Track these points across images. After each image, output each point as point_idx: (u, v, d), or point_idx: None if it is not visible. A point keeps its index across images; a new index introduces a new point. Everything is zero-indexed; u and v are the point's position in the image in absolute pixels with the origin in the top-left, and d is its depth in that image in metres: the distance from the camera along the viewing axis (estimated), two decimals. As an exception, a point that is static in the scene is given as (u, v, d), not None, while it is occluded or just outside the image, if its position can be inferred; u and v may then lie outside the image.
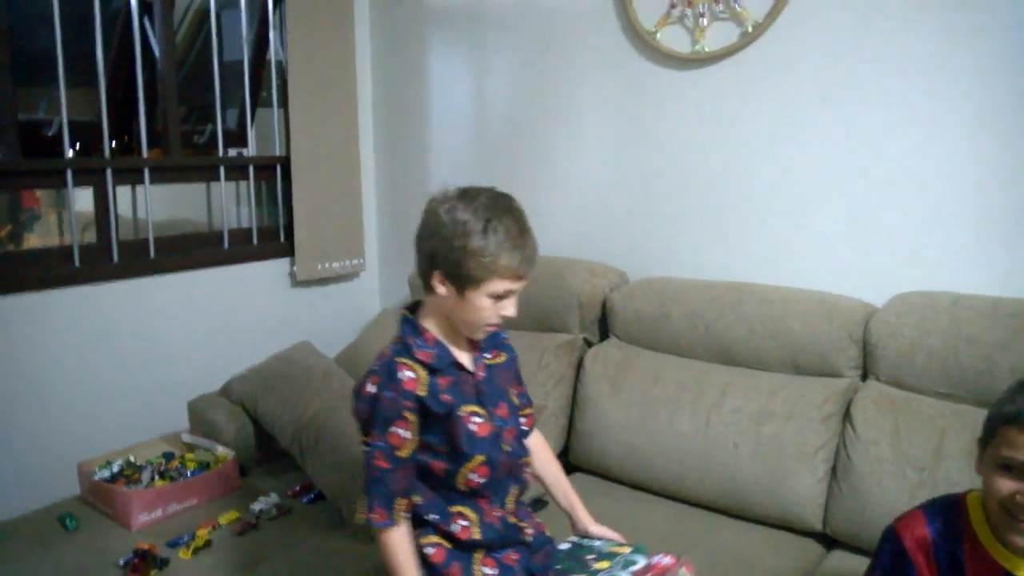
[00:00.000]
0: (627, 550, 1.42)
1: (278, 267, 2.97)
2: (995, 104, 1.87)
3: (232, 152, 2.99)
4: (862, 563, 1.70)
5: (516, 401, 1.43)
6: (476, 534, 1.33)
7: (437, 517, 1.33)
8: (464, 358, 1.35)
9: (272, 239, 2.99)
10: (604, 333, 2.38)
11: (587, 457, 2.19)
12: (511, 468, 1.36)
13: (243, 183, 2.98)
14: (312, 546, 1.91)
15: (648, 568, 1.35)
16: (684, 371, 2.11)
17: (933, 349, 1.80)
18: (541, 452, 1.54)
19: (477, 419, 1.32)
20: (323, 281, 3.09)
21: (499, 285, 1.24)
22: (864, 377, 1.97)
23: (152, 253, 2.63)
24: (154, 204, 2.63)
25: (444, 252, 1.25)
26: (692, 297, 2.19)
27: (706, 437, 1.96)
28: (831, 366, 1.96)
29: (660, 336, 2.21)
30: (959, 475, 1.65)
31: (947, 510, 1.22)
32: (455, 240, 1.24)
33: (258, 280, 2.91)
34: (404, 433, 1.27)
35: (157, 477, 2.13)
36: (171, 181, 2.77)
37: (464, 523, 1.33)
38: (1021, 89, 1.84)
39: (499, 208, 1.26)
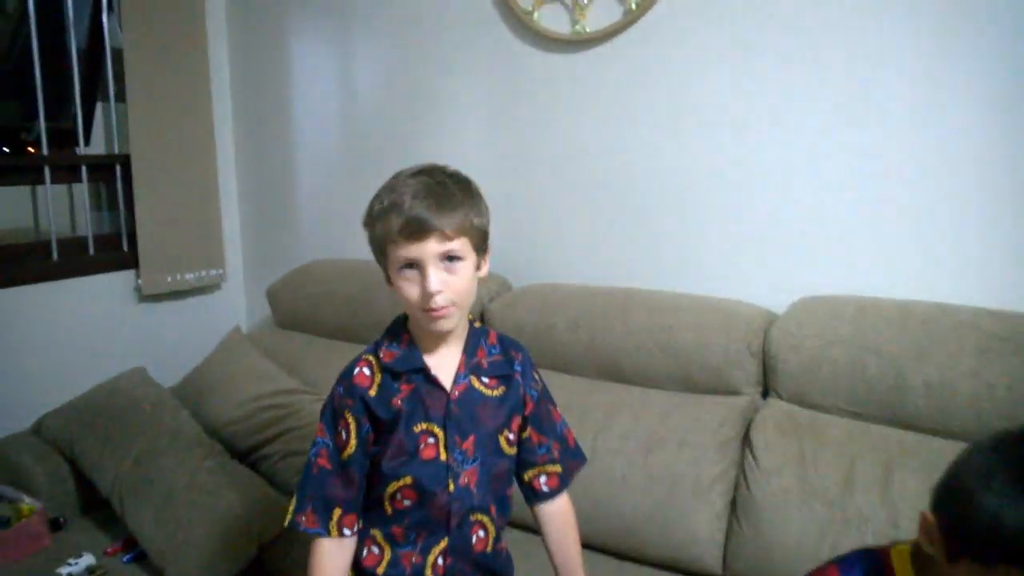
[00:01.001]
0: None
1: (121, 280, 2.59)
2: (901, 96, 1.68)
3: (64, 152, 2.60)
4: (766, 611, 1.50)
5: (505, 444, 1.19)
6: (381, 567, 1.15)
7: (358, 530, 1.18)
8: (443, 371, 1.15)
9: (112, 249, 2.61)
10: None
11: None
12: (448, 514, 1.13)
13: (77, 186, 2.60)
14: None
15: None
16: (568, 389, 1.83)
17: (837, 362, 1.59)
18: (556, 524, 1.26)
19: (430, 439, 1.13)
20: (177, 295, 2.72)
21: (396, 252, 1.08)
22: (765, 394, 1.74)
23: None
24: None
25: (369, 239, 1.13)
26: (577, 305, 1.94)
27: (591, 467, 1.68)
28: (728, 383, 1.73)
29: (543, 350, 1.93)
30: (871, 510, 1.43)
31: (866, 568, 0.98)
32: (366, 220, 1.13)
33: (96, 295, 2.53)
34: (345, 434, 1.14)
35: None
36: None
37: (374, 549, 1.16)
38: (927, 79, 1.65)
39: (402, 175, 1.12)
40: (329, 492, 1.14)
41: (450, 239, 1.07)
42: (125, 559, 1.80)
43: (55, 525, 1.93)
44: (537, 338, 1.94)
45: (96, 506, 2.02)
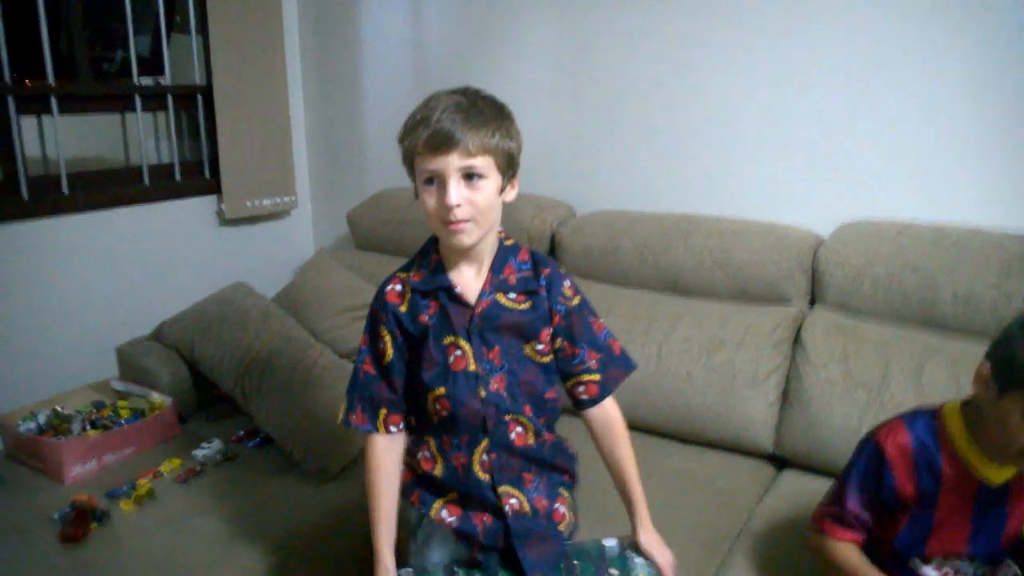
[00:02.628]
0: None
1: (204, 205, 2.81)
2: (942, 36, 1.88)
3: (147, 81, 2.78)
4: (812, 481, 1.79)
5: (532, 353, 1.24)
6: (437, 471, 1.25)
7: (412, 439, 1.29)
8: (468, 289, 1.21)
9: (196, 175, 2.82)
10: (553, 267, 2.35)
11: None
12: (482, 417, 1.21)
13: (160, 114, 2.78)
14: (262, 491, 1.85)
15: None
16: (635, 303, 2.11)
17: (878, 276, 1.85)
18: (606, 431, 1.30)
19: (457, 352, 1.21)
20: (253, 219, 2.94)
21: (421, 164, 1.12)
22: (812, 304, 2.01)
23: (65, 189, 2.43)
24: (62, 137, 2.42)
25: (401, 154, 1.18)
26: (641, 229, 2.18)
27: (658, 367, 1.98)
28: (780, 294, 2.00)
29: (610, 269, 2.20)
30: (904, 396, 1.71)
31: (927, 421, 1.24)
32: (399, 136, 1.17)
33: (183, 219, 2.75)
34: (383, 344, 1.23)
35: (88, 427, 2.01)
36: (81, 111, 2.56)
37: (427, 454, 1.26)
38: (972, 24, 1.85)
39: (438, 93, 1.16)
40: (375, 394, 1.24)
41: (472, 155, 1.10)
42: (251, 444, 2.08)
43: (180, 418, 2.19)
44: (605, 259, 2.20)
45: (212, 402, 2.29)
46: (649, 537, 1.30)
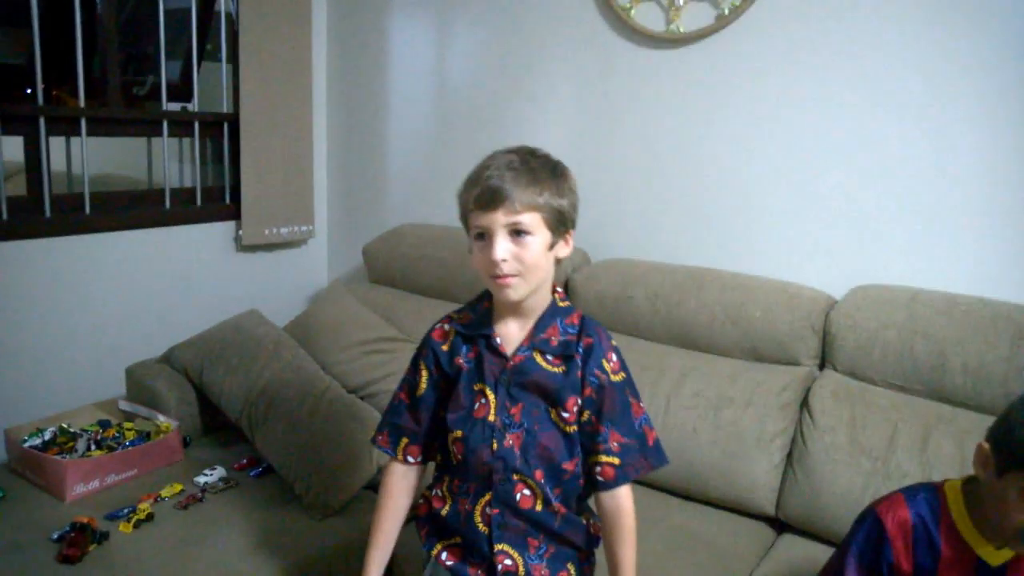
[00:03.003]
0: None
1: (223, 230, 2.85)
2: (962, 105, 1.91)
3: (175, 107, 2.83)
4: (811, 547, 1.79)
5: (557, 418, 1.22)
6: (444, 509, 1.28)
7: (435, 476, 1.34)
8: (509, 340, 1.23)
9: (217, 200, 2.86)
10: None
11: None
12: (491, 473, 1.21)
13: (186, 140, 2.83)
14: (262, 522, 1.84)
15: None
16: (645, 354, 2.11)
17: (889, 342, 1.85)
18: (608, 516, 1.25)
19: (483, 400, 1.23)
20: (270, 247, 2.97)
21: (472, 221, 1.17)
22: (821, 367, 2.01)
23: (88, 209, 2.48)
24: (88, 157, 2.46)
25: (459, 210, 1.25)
26: (655, 280, 2.20)
27: (665, 420, 1.97)
28: (790, 355, 2.00)
29: (622, 318, 2.21)
30: (910, 465, 1.70)
31: (928, 497, 1.24)
32: (459, 193, 1.23)
33: (202, 243, 2.78)
34: (418, 378, 1.30)
35: (93, 446, 2.02)
36: (109, 134, 2.61)
37: (440, 492, 1.30)
38: (997, 88, 1.87)
39: (496, 153, 1.21)
40: (401, 422, 1.31)
41: (518, 212, 1.13)
42: (252, 473, 2.08)
43: (183, 443, 2.20)
44: (617, 307, 2.21)
45: (217, 428, 2.30)
46: None
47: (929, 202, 1.97)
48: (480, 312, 1.27)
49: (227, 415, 2.17)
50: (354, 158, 3.08)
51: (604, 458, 1.22)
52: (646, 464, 1.25)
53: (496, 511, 1.23)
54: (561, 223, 1.19)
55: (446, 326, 1.29)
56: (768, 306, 2.02)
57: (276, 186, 2.88)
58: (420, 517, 1.34)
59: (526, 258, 1.15)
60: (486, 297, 1.28)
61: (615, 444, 1.22)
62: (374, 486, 1.94)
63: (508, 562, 1.23)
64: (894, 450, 1.73)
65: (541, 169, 1.18)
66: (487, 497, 1.23)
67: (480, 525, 1.24)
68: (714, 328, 2.07)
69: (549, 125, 2.56)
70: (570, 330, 1.24)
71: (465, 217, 1.20)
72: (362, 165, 3.05)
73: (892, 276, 2.02)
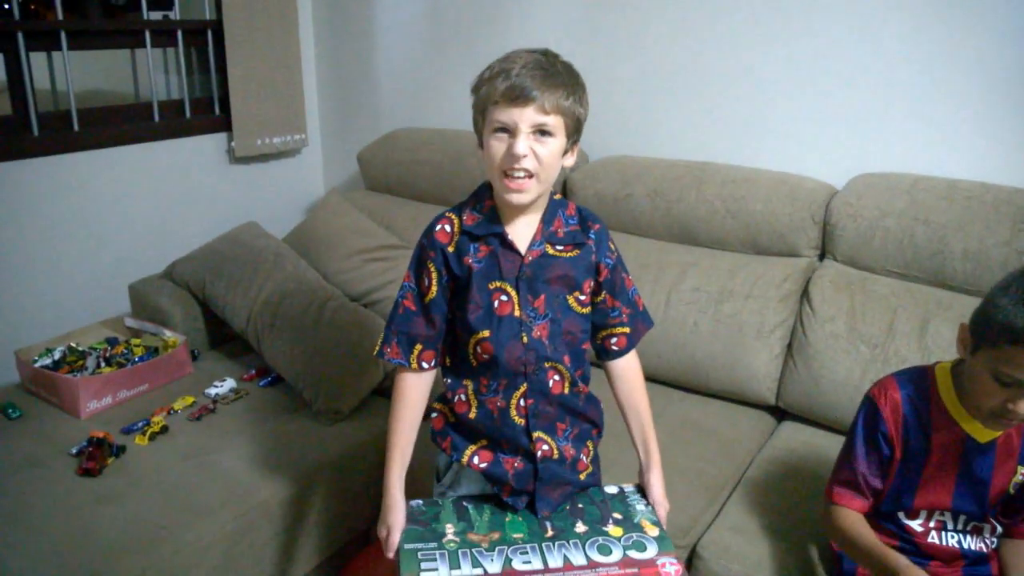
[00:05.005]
0: (654, 532, 1.26)
1: (214, 142, 2.80)
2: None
3: (156, 16, 2.74)
4: (812, 433, 1.83)
5: (575, 303, 1.27)
6: (472, 413, 1.28)
7: (449, 382, 1.32)
8: (520, 237, 1.24)
9: (206, 112, 2.80)
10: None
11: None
12: (523, 362, 1.24)
13: (170, 50, 2.75)
14: (274, 429, 1.89)
15: (643, 563, 1.20)
16: (645, 251, 2.11)
17: (889, 230, 1.84)
18: (627, 378, 1.36)
19: (503, 298, 1.23)
20: (264, 158, 2.93)
21: (495, 114, 1.15)
22: (822, 257, 2.01)
23: (76, 126, 2.43)
24: (72, 73, 2.40)
25: (473, 104, 1.21)
26: (654, 177, 2.17)
27: (666, 315, 1.99)
28: (790, 246, 1.99)
29: (621, 216, 2.19)
30: (908, 351, 1.72)
31: (917, 379, 1.27)
32: (473, 86, 1.21)
33: (194, 156, 2.74)
34: (427, 281, 1.26)
35: (103, 363, 2.05)
36: (91, 47, 2.52)
37: (463, 397, 1.29)
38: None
39: (518, 51, 1.19)
40: (412, 330, 1.27)
41: (547, 113, 1.14)
42: (262, 383, 2.12)
43: (191, 356, 2.23)
44: (616, 205, 2.19)
45: (224, 341, 2.33)
46: (656, 483, 1.34)
47: (928, 89, 1.92)
48: (485, 211, 1.25)
49: (232, 327, 2.20)
50: (344, 63, 2.99)
51: (619, 329, 1.33)
52: (643, 328, 1.36)
53: (532, 401, 1.26)
54: (577, 130, 1.21)
55: (447, 227, 1.26)
56: (768, 198, 1.99)
57: (266, 95, 2.81)
58: (438, 431, 1.33)
59: (545, 157, 1.16)
60: (486, 195, 1.26)
61: (624, 316, 1.33)
62: (381, 391, 2.00)
63: (545, 447, 1.27)
64: (893, 337, 1.75)
65: (566, 74, 1.18)
66: (522, 389, 1.25)
67: (516, 418, 1.26)
68: (714, 222, 2.06)
69: (546, 23, 2.47)
70: (571, 220, 1.28)
71: (483, 110, 1.18)
72: (353, 70, 2.97)
73: (894, 164, 1.99)
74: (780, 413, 1.95)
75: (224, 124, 2.79)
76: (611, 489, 1.35)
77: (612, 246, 1.31)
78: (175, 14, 2.71)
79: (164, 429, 1.85)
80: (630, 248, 2.12)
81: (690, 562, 1.51)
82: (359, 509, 1.88)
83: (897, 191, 1.87)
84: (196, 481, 1.69)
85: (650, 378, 1.97)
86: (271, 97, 2.83)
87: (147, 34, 2.59)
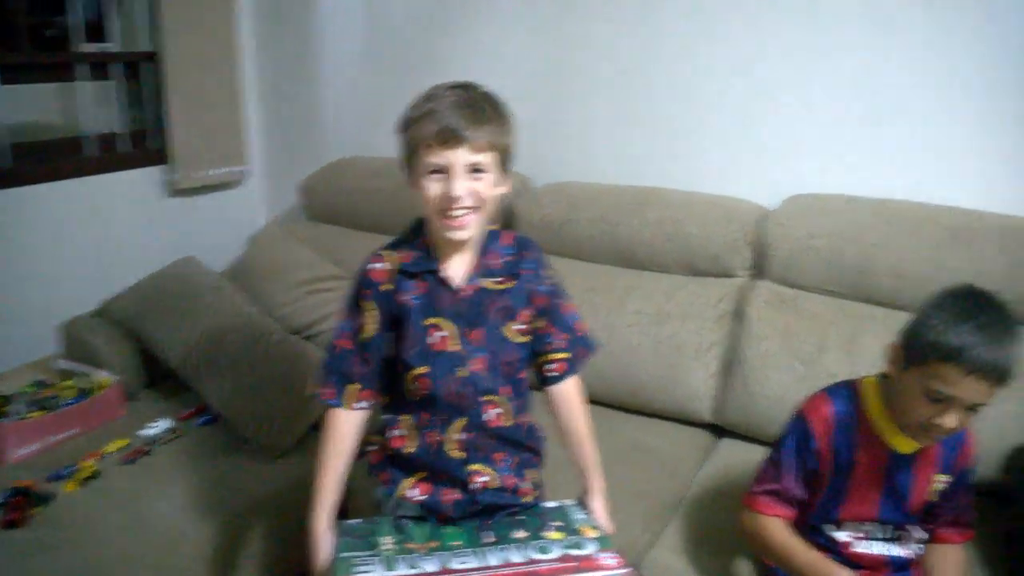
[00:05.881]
0: (595, 535, 1.27)
1: (151, 175, 2.75)
2: (889, 15, 1.90)
3: (90, 48, 2.69)
4: (749, 448, 1.85)
5: (512, 334, 1.28)
6: (410, 448, 1.28)
7: (387, 417, 1.32)
8: (455, 272, 1.26)
9: (142, 145, 2.76)
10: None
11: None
12: (460, 397, 1.25)
13: (107, 82, 2.70)
14: (213, 469, 1.85)
15: (582, 558, 1.21)
16: (589, 275, 2.13)
17: (819, 249, 1.89)
18: (565, 403, 1.36)
19: (440, 333, 1.25)
20: (204, 190, 2.89)
21: (428, 157, 1.17)
22: (756, 277, 2.04)
23: (9, 161, 2.37)
24: (4, 107, 2.34)
25: (400, 144, 1.22)
26: (597, 202, 2.20)
27: (609, 338, 2.00)
28: (726, 267, 2.03)
29: (566, 241, 2.21)
30: (838, 367, 1.75)
31: (845, 393, 1.31)
32: (400, 126, 1.22)
33: (130, 190, 2.69)
34: (363, 320, 1.27)
35: (31, 407, 1.98)
36: (23, 81, 2.47)
37: (401, 432, 1.30)
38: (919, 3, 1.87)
39: (439, 87, 1.20)
40: (348, 369, 1.28)
41: (480, 151, 1.16)
42: (199, 422, 2.07)
43: (128, 396, 2.17)
44: (561, 231, 2.22)
45: (160, 380, 2.27)
46: (599, 507, 1.35)
47: (858, 110, 1.99)
48: (421, 247, 1.27)
49: (170, 365, 2.15)
50: (287, 93, 2.97)
51: (557, 355, 1.33)
52: (585, 353, 1.37)
53: (471, 434, 1.27)
54: (508, 160, 1.24)
55: (382, 265, 1.27)
56: (704, 221, 2.03)
57: (205, 125, 2.78)
58: (375, 464, 1.34)
59: (482, 192, 1.19)
60: (420, 232, 1.28)
61: (563, 342, 1.33)
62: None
63: (483, 479, 1.28)
64: (824, 352, 1.79)
65: (491, 108, 1.21)
66: (461, 423, 1.26)
67: (454, 452, 1.27)
68: (654, 246, 2.09)
69: (489, 51, 2.49)
70: (507, 251, 1.29)
71: (413, 151, 1.20)
72: (296, 100, 2.95)
73: (827, 186, 2.04)
74: (719, 431, 1.97)
75: (162, 156, 2.74)
76: (552, 505, 1.36)
77: (549, 273, 1.33)
78: (116, 45, 2.67)
79: (95, 474, 1.80)
80: (575, 273, 2.14)
81: (635, 584, 1.51)
82: (301, 548, 1.84)
83: (827, 211, 1.92)
84: (129, 527, 1.63)
85: (594, 401, 1.98)
86: (211, 128, 2.80)
87: (80, 67, 2.55)
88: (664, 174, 2.25)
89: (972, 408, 1.14)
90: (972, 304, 1.15)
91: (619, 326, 2.01)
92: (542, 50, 2.41)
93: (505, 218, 2.33)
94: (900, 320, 1.73)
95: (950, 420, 1.14)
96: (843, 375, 1.70)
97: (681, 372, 1.93)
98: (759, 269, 2.02)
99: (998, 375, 1.11)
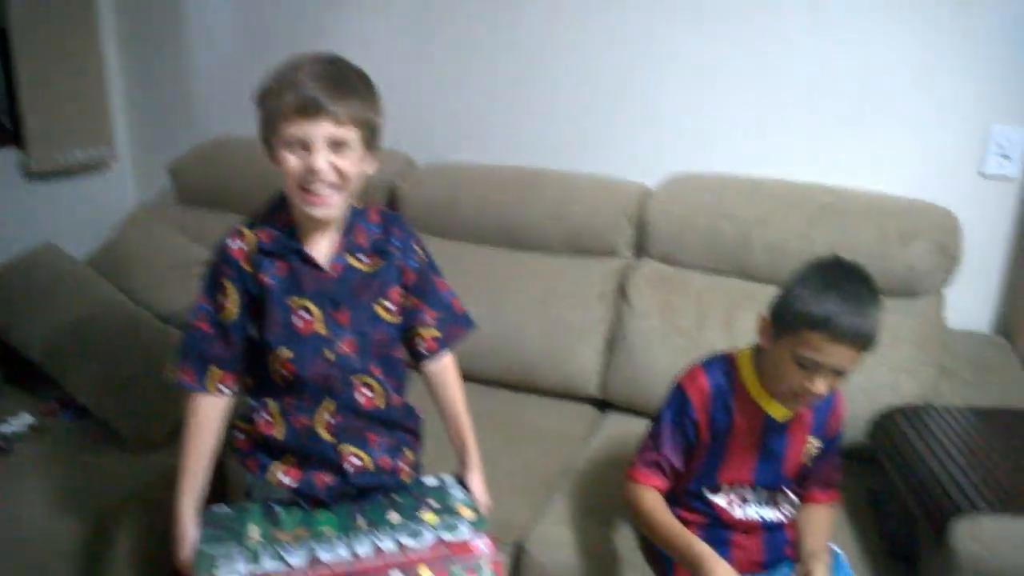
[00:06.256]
0: (471, 516, 1.26)
1: (5, 158, 2.53)
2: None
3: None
4: (634, 421, 1.89)
5: (383, 312, 1.25)
6: (277, 433, 1.23)
7: (252, 402, 1.27)
8: (320, 252, 1.21)
9: (-7, 125, 2.54)
10: (394, 223, 2.31)
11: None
12: (329, 379, 1.22)
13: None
14: (79, 465, 1.75)
15: (455, 545, 1.21)
16: (474, 257, 2.13)
17: (699, 227, 1.95)
18: (440, 380, 1.36)
19: (304, 315, 1.20)
20: (66, 173, 2.69)
21: (288, 129, 1.11)
22: (640, 256, 2.09)
23: None
24: None
25: (259, 116, 1.16)
26: (482, 183, 2.20)
27: (496, 320, 2.01)
28: (609, 247, 2.07)
29: (450, 222, 2.20)
30: (718, 341, 1.82)
31: (722, 365, 1.36)
32: (259, 97, 1.16)
33: (-22, 175, 2.47)
34: (224, 300, 1.21)
35: None
36: None
37: (267, 417, 1.24)
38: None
39: (302, 57, 1.15)
40: (208, 352, 1.22)
41: (342, 125, 1.12)
42: (65, 416, 1.93)
43: (-20, 392, 2.01)
44: (445, 212, 2.20)
45: (21, 374, 2.10)
46: (477, 483, 1.35)
47: (739, 89, 2.07)
48: (282, 225, 1.21)
49: (31, 358, 1.99)
50: (154, 68, 2.80)
51: (425, 332, 1.31)
52: (461, 331, 1.36)
53: (341, 417, 1.23)
54: (374, 138, 1.19)
55: (240, 243, 1.21)
56: (588, 201, 2.07)
57: (63, 105, 2.58)
58: (243, 450, 1.28)
59: (346, 169, 1.14)
60: (282, 209, 1.22)
61: (432, 319, 1.31)
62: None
63: (356, 461, 1.25)
64: (703, 327, 1.85)
65: (358, 82, 1.16)
66: (330, 406, 1.23)
67: (324, 435, 1.23)
68: (539, 227, 2.11)
69: (366, 25, 2.42)
70: (374, 228, 1.26)
71: (272, 123, 1.14)
72: (163, 76, 2.79)
73: (712, 165, 2.11)
74: (606, 405, 2.01)
75: (13, 137, 2.53)
76: (431, 481, 1.35)
77: (419, 249, 1.30)
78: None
79: (-55, 477, 1.65)
80: (460, 255, 2.13)
81: (518, 560, 1.52)
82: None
83: (706, 190, 1.99)
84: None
85: (482, 381, 2.03)
86: (71, 106, 2.60)
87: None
88: (551, 154, 2.26)
89: (839, 374, 1.20)
90: (836, 275, 1.22)
91: (505, 307, 2.02)
92: (426, 28, 2.37)
93: (387, 199, 2.29)
94: (773, 294, 1.84)
95: (819, 385, 1.20)
96: (723, 349, 1.79)
97: (567, 351, 1.96)
98: (642, 248, 2.07)
99: (862, 341, 1.17)
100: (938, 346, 1.77)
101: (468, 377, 1.99)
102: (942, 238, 1.80)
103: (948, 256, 1.80)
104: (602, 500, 1.60)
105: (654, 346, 1.87)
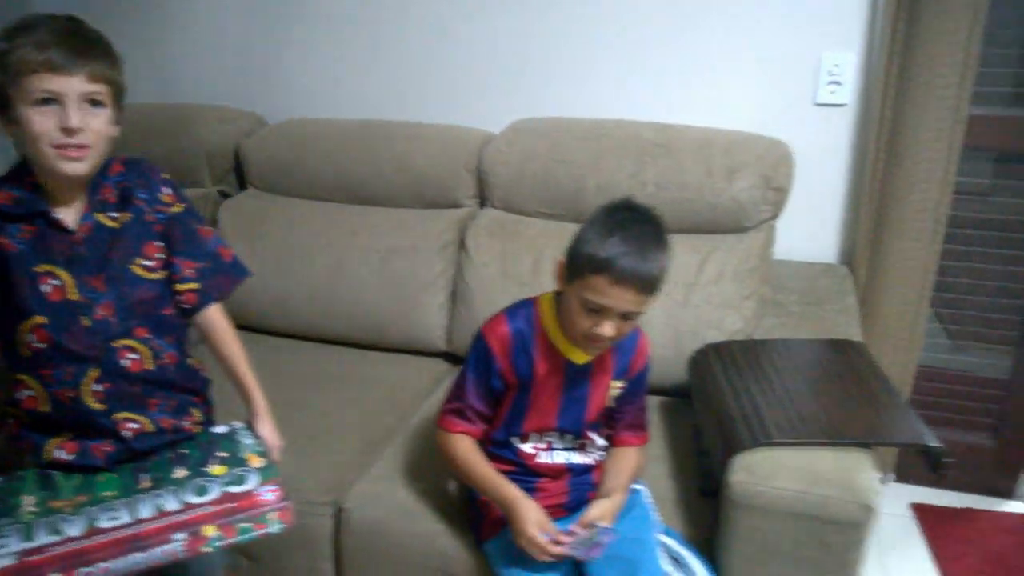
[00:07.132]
0: (260, 463, 1.25)
1: None
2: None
3: None
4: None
5: (140, 270, 1.22)
6: (43, 407, 1.20)
7: (10, 380, 1.22)
8: (67, 213, 1.17)
9: None
10: (244, 183, 2.27)
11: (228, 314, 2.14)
12: (90, 348, 1.18)
13: None
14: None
15: (240, 496, 1.19)
16: (318, 215, 2.09)
17: (536, 173, 1.92)
18: (210, 332, 1.33)
19: (54, 282, 1.17)
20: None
21: (36, 83, 1.07)
22: (483, 205, 2.07)
23: None
24: None
25: None
26: (327, 139, 2.15)
27: (339, 277, 1.99)
28: (453, 198, 2.04)
29: (297, 180, 2.15)
30: (550, 285, 1.79)
31: (524, 312, 1.35)
32: None
33: None
34: None
35: None
36: None
37: (29, 393, 1.21)
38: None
39: (41, 15, 1.12)
40: None
41: (96, 81, 1.11)
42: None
43: None
44: (292, 169, 2.16)
45: None
46: (265, 426, 1.33)
47: (580, 35, 2.04)
48: (25, 188, 1.17)
49: None
50: None
51: (183, 286, 1.28)
52: (228, 281, 1.34)
53: (110, 385, 1.20)
54: (121, 99, 1.18)
55: None
56: (431, 152, 2.03)
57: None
58: (14, 435, 1.24)
59: (101, 128, 1.13)
60: (26, 171, 1.17)
61: (190, 271, 1.28)
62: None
63: (133, 425, 1.23)
64: (538, 273, 1.84)
65: (103, 42, 1.15)
66: (94, 374, 1.19)
67: (92, 403, 1.20)
68: (383, 181, 2.07)
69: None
70: (119, 179, 1.23)
71: (13, 83, 1.08)
72: None
73: (553, 110, 2.08)
74: (453, 357, 2.00)
75: None
76: (220, 429, 1.34)
77: (167, 198, 1.26)
78: None
79: None
80: (304, 213, 2.10)
81: (339, 519, 1.52)
82: None
83: (542, 135, 1.96)
84: None
85: (328, 340, 2.02)
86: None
87: None
88: (393, 106, 2.22)
89: (626, 316, 1.20)
90: (622, 218, 1.21)
91: (349, 262, 2.00)
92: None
93: (233, 158, 2.24)
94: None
95: (607, 328, 1.19)
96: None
97: (412, 305, 1.95)
98: (484, 197, 2.05)
99: (643, 284, 1.17)
100: (761, 280, 1.77)
101: (315, 338, 2.02)
102: (767, 170, 1.78)
103: (773, 188, 1.79)
104: (428, 454, 1.60)
105: (493, 295, 1.85)
